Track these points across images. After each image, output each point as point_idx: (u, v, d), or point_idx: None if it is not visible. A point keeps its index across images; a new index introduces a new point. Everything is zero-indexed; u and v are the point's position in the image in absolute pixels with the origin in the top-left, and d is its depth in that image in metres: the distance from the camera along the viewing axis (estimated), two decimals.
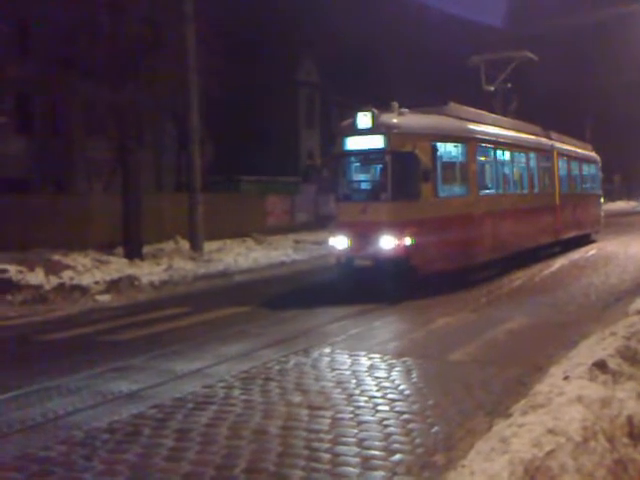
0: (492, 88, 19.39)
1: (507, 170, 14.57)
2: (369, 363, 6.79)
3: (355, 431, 4.83)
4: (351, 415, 5.19)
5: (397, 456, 4.36)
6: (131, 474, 4.24)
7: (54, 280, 12.06)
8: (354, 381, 6.15)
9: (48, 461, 4.47)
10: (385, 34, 42.01)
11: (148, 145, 25.13)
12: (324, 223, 22.71)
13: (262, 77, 34.72)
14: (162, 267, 14.35)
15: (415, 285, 10.69)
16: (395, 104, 11.21)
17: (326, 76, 39.53)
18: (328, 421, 5.05)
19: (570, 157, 19.39)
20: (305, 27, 37.11)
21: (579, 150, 21.03)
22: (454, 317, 9.25)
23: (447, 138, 11.82)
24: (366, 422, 5.01)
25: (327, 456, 4.40)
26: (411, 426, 4.92)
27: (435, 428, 4.85)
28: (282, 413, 5.28)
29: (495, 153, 13.73)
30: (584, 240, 19.92)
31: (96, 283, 12.25)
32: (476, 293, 11.20)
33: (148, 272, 13.65)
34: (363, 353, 7.17)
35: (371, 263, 10.77)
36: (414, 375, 6.35)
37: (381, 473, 4.13)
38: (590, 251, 18.05)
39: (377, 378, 6.22)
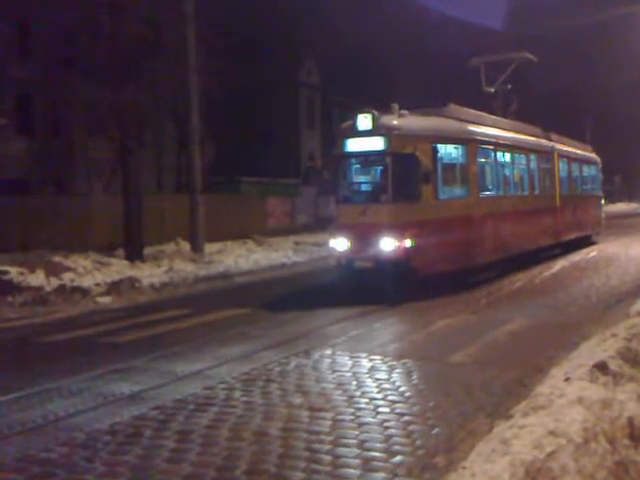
0: (492, 89, 19.39)
1: (507, 172, 14.56)
2: (370, 365, 6.80)
3: (356, 433, 4.83)
4: (352, 417, 5.19)
5: (398, 458, 4.36)
6: (132, 475, 4.24)
7: (55, 282, 12.06)
8: (355, 383, 6.15)
9: (49, 463, 4.47)
10: (385, 35, 42.07)
11: (148, 145, 25.14)
12: (324, 225, 22.74)
13: (263, 77, 34.75)
14: (163, 269, 14.36)
15: (415, 287, 10.69)
16: (395, 106, 11.22)
17: (327, 77, 39.58)
18: (329, 423, 5.06)
19: (570, 158, 19.39)
20: (306, 27, 37.16)
21: (579, 151, 21.03)
22: (454, 318, 9.25)
23: (447, 140, 11.82)
24: (367, 424, 5.01)
25: (328, 458, 4.40)
26: (412, 428, 4.92)
27: (436, 430, 4.86)
28: (283, 415, 5.28)
29: (495, 155, 13.73)
30: (585, 242, 19.92)
31: (97, 285, 12.25)
32: (476, 295, 11.20)
33: (149, 274, 13.66)
34: (364, 355, 7.18)
35: (371, 265, 10.78)
36: (415, 377, 6.35)
37: (382, 475, 4.13)
38: (591, 253, 18.04)
39: (378, 380, 6.23)
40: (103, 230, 18.33)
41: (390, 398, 5.65)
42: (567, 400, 4.12)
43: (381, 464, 4.28)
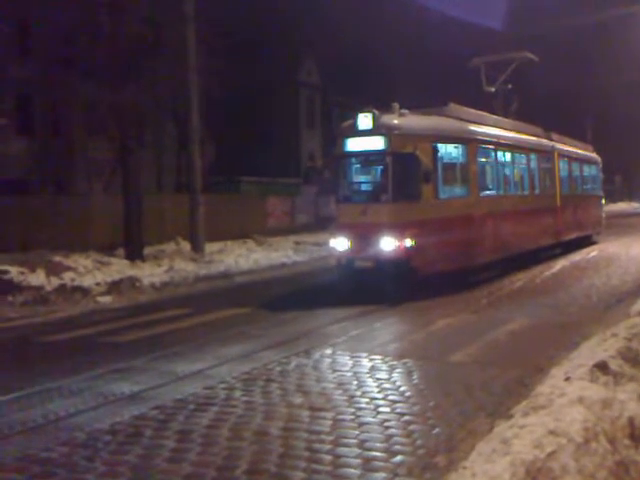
0: (493, 89, 19.38)
1: (508, 171, 14.56)
2: (370, 364, 6.80)
3: (356, 432, 4.83)
4: (352, 416, 5.19)
5: (398, 457, 4.36)
6: (132, 475, 4.24)
7: (55, 281, 12.06)
8: (355, 382, 6.15)
9: (49, 462, 4.47)
10: (385, 35, 42.05)
11: (148, 145, 25.15)
12: (325, 224, 22.73)
13: (263, 77, 34.75)
14: (163, 268, 14.36)
15: (416, 286, 10.69)
16: (396, 105, 11.21)
17: (327, 77, 39.59)
18: (329, 422, 5.06)
19: (571, 158, 19.39)
20: (306, 27, 37.15)
21: (580, 151, 21.03)
22: (455, 318, 9.25)
23: (448, 139, 11.82)
24: (367, 423, 5.01)
25: (328, 457, 4.40)
26: (412, 427, 4.92)
27: (436, 429, 4.86)
28: (283, 414, 5.28)
29: (496, 154, 13.72)
30: (585, 241, 19.91)
31: (97, 284, 12.26)
32: (477, 294, 11.20)
33: (149, 273, 13.66)
34: (364, 354, 7.17)
35: (372, 264, 10.77)
36: (415, 376, 6.35)
37: (382, 474, 4.12)
38: (591, 252, 18.04)
39: (378, 379, 6.23)
40: (103, 230, 18.33)
41: (390, 398, 5.65)
42: (567, 400, 4.12)
43: (382, 464, 4.28)
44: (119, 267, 14.00)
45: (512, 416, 4.18)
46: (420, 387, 6.00)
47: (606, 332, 6.39)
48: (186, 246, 17.76)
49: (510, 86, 20.27)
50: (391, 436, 4.75)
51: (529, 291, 11.73)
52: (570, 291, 11.44)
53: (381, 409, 5.35)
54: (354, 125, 11.05)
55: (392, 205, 10.84)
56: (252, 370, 6.66)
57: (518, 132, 15.62)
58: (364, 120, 10.91)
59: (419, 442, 4.62)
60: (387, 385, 6.03)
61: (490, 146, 13.50)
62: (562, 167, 18.31)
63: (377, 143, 10.92)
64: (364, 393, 5.80)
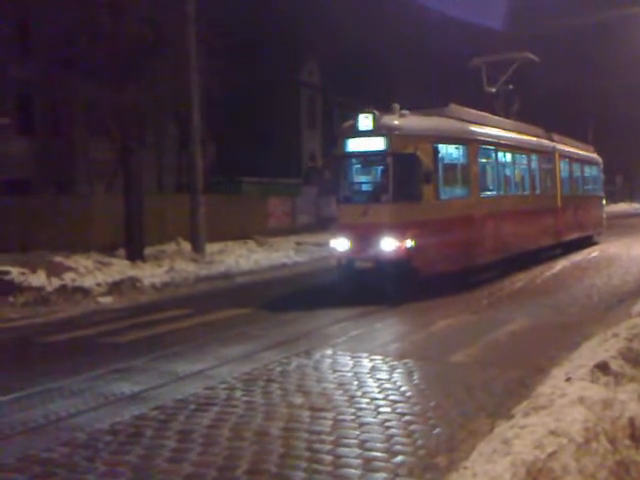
0: (493, 89, 19.38)
1: (508, 172, 14.56)
2: (371, 365, 6.80)
3: (357, 433, 4.83)
4: (353, 417, 5.19)
5: (399, 458, 4.36)
6: (133, 475, 4.25)
7: (56, 282, 12.07)
8: (356, 383, 6.16)
9: (50, 462, 4.47)
10: (386, 35, 42.05)
11: (149, 146, 25.14)
12: (325, 225, 22.71)
13: (263, 77, 34.75)
14: (164, 269, 14.36)
15: (416, 287, 10.68)
16: (396, 106, 11.22)
17: (328, 77, 39.60)
18: (330, 422, 5.06)
19: (572, 159, 19.39)
20: (307, 28, 37.17)
21: (581, 152, 21.03)
22: (455, 319, 9.25)
23: (448, 140, 11.82)
24: (368, 424, 5.01)
25: (329, 458, 4.40)
26: (413, 428, 4.92)
27: (437, 430, 4.86)
28: (284, 414, 5.29)
29: (496, 155, 13.72)
30: (586, 242, 19.91)
31: (98, 285, 12.26)
32: (477, 295, 11.19)
33: (150, 274, 13.66)
34: (365, 355, 7.17)
35: (372, 265, 10.77)
36: (415, 377, 6.35)
37: (383, 475, 4.13)
38: (592, 253, 18.04)
39: (379, 380, 6.23)
40: (104, 230, 18.32)
41: (391, 398, 5.65)
42: (568, 400, 4.12)
43: (382, 464, 4.28)
44: (120, 267, 14.00)
45: (513, 416, 4.18)
46: (421, 387, 6.00)
47: (607, 332, 6.39)
48: (187, 246, 17.75)
49: (511, 86, 20.26)
50: (392, 436, 4.75)
51: (530, 291, 11.73)
52: (571, 291, 11.44)
53: (382, 409, 5.36)
54: (355, 125, 11.05)
55: (393, 205, 10.83)
56: (253, 370, 6.67)
57: (519, 133, 15.62)
58: (365, 121, 10.90)
59: (420, 442, 4.62)
60: (388, 385, 6.03)
61: (491, 147, 13.50)
62: (563, 168, 18.31)
63: (378, 144, 10.92)
64: (365, 393, 5.80)
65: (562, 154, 18.27)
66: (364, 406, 5.45)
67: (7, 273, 12.16)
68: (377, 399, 5.63)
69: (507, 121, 16.11)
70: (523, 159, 15.43)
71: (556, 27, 46.76)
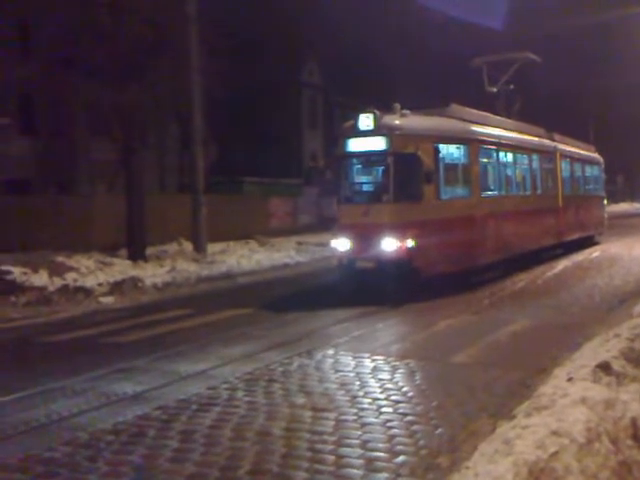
0: (495, 89, 19.37)
1: (510, 172, 14.56)
2: (372, 365, 6.80)
3: (359, 433, 4.83)
4: (355, 417, 5.19)
5: (401, 458, 4.36)
6: (135, 475, 4.25)
7: (58, 282, 12.09)
8: (357, 383, 6.16)
9: (52, 462, 4.48)
10: (386, 35, 42.04)
11: (151, 146, 25.15)
12: (327, 225, 22.69)
13: (265, 78, 34.74)
14: (165, 269, 14.37)
15: (417, 287, 10.68)
16: (397, 105, 11.21)
17: (328, 77, 39.60)
18: (332, 423, 5.06)
19: (573, 158, 19.38)
20: (307, 28, 37.16)
21: (582, 151, 21.01)
22: (457, 319, 9.25)
23: (449, 140, 11.82)
24: (370, 424, 5.02)
25: (331, 458, 4.40)
26: (415, 428, 4.93)
27: (439, 430, 4.86)
28: (286, 415, 5.29)
29: (497, 155, 13.72)
30: (587, 242, 19.89)
31: (99, 285, 12.28)
32: (479, 295, 11.19)
33: (151, 274, 13.67)
34: (366, 355, 7.18)
35: (373, 265, 10.77)
36: (417, 377, 6.35)
37: (385, 475, 4.13)
38: (594, 253, 18.02)
39: (380, 380, 6.23)
40: (106, 230, 18.33)
41: (393, 398, 5.66)
42: (570, 400, 4.12)
43: (384, 464, 4.28)
44: (121, 267, 14.02)
45: (514, 417, 4.18)
46: (422, 388, 6.00)
47: (609, 333, 6.39)
48: (188, 246, 17.77)
49: (512, 86, 20.25)
50: (394, 436, 4.75)
51: (531, 292, 11.73)
52: (572, 292, 11.44)
53: (383, 409, 5.36)
54: (355, 125, 11.05)
55: (393, 205, 10.83)
56: (254, 370, 6.67)
57: (520, 133, 15.61)
58: (365, 120, 10.90)
59: (422, 442, 4.62)
60: (389, 385, 6.04)
61: (492, 147, 13.49)
62: (564, 168, 18.30)
63: (378, 143, 10.92)
64: (366, 393, 5.81)
65: (563, 154, 18.26)
66: (366, 406, 5.45)
67: (9, 273, 12.18)
68: (379, 399, 5.63)
69: (508, 121, 16.11)
70: (524, 159, 15.42)
71: (557, 27, 46.73)
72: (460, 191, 12.21)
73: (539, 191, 16.20)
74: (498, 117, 15.67)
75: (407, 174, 10.77)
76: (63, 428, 5.18)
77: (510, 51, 20.53)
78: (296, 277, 15.39)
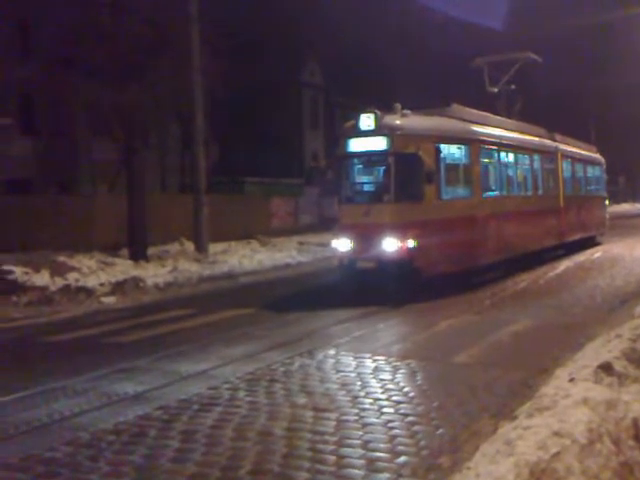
0: (496, 90, 19.37)
1: (511, 172, 14.55)
2: (374, 365, 6.79)
3: (360, 433, 4.83)
4: (356, 417, 5.19)
5: (402, 458, 4.36)
6: (136, 475, 4.25)
7: (59, 282, 12.09)
8: (359, 383, 6.16)
9: (54, 462, 4.48)
10: (387, 35, 42.07)
11: (152, 146, 25.17)
12: (328, 225, 22.69)
13: (266, 78, 34.77)
14: (167, 269, 14.38)
15: (418, 287, 10.67)
16: (398, 106, 11.21)
17: (329, 77, 39.61)
18: (333, 423, 5.06)
19: (574, 159, 19.36)
20: (308, 28, 37.18)
21: (583, 152, 21.00)
22: (458, 319, 9.24)
23: (450, 140, 11.82)
24: (371, 424, 5.02)
25: (332, 458, 4.40)
26: (416, 428, 4.92)
27: (440, 430, 4.85)
28: (287, 415, 5.29)
29: (499, 155, 13.71)
30: (589, 242, 19.88)
31: (101, 285, 12.28)
32: (480, 295, 11.18)
33: (153, 274, 13.68)
34: (368, 355, 7.17)
35: (374, 265, 10.76)
36: (418, 377, 6.35)
37: (386, 475, 4.13)
38: (595, 253, 18.01)
39: (382, 380, 6.23)
40: (107, 230, 18.35)
41: (394, 398, 5.65)
42: (572, 401, 4.12)
43: (385, 464, 4.28)
44: (123, 267, 14.02)
45: (516, 417, 4.17)
46: (424, 388, 6.00)
47: (610, 333, 6.38)
48: (190, 246, 17.77)
49: (513, 87, 20.25)
50: (395, 437, 4.75)
51: (533, 292, 11.72)
52: (574, 292, 11.43)
53: (385, 410, 5.36)
54: (356, 125, 11.05)
55: (394, 206, 10.83)
56: (256, 370, 6.67)
57: (521, 133, 15.60)
58: (366, 120, 10.90)
59: (423, 443, 4.62)
60: (391, 386, 6.03)
61: (493, 147, 13.49)
62: (565, 168, 18.28)
63: (379, 143, 10.92)
64: (368, 394, 5.80)
65: (564, 154, 18.25)
66: (367, 406, 5.45)
67: (11, 273, 12.19)
68: (380, 399, 5.63)
69: (509, 121, 16.10)
70: (525, 159, 15.41)
71: (557, 27, 46.73)
72: (461, 191, 12.21)
73: (540, 191, 16.19)
74: (499, 117, 15.67)
75: (408, 174, 10.77)
76: (64, 428, 5.18)
77: (510, 51, 20.55)
78: (297, 277, 15.39)
